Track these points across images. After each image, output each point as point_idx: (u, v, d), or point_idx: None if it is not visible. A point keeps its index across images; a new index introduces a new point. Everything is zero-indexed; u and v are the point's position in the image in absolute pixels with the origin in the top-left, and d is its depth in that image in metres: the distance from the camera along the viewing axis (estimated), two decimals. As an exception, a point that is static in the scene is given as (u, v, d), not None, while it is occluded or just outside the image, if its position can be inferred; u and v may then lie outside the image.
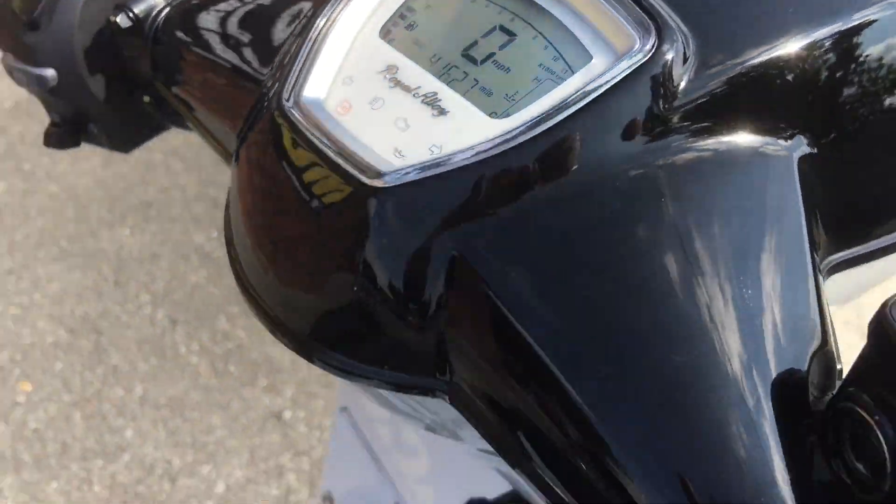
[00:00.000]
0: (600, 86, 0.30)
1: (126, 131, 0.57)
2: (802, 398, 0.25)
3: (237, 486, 1.48)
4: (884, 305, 0.24)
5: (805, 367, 0.26)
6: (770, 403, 0.25)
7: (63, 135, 0.54)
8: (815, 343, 0.27)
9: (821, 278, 0.29)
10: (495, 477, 0.52)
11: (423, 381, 0.30)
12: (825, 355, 0.26)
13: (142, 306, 1.73)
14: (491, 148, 0.31)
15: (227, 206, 0.39)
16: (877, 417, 0.23)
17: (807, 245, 0.29)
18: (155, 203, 1.94)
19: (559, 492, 0.26)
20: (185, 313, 1.72)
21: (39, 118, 2.10)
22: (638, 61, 0.30)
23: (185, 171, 2.01)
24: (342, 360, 0.31)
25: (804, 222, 0.29)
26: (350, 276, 0.31)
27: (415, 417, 0.42)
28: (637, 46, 0.31)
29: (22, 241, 1.84)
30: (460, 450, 0.58)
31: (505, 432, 0.28)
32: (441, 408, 0.31)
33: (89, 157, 2.02)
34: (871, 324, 0.23)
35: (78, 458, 1.50)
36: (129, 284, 1.77)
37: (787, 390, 0.26)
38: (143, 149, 2.04)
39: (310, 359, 0.33)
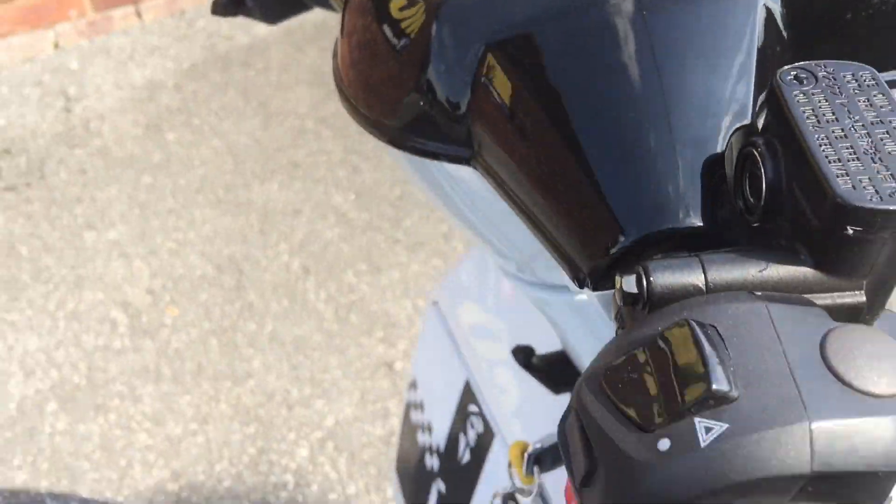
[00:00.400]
0: None
1: (276, 7, 0.68)
2: (721, 154, 0.33)
3: (345, 422, 1.60)
4: (775, 73, 0.30)
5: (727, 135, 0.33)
6: (697, 163, 0.32)
7: (227, 5, 0.66)
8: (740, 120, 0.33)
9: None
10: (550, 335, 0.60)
11: (458, 151, 0.38)
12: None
13: (280, 254, 1.89)
14: None
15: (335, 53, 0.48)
16: (762, 153, 0.29)
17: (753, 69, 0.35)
18: (302, 164, 2.10)
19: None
20: (318, 265, 1.87)
21: (210, 79, 2.32)
22: None
23: (332, 139, 2.17)
24: (407, 136, 0.40)
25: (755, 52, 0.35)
26: (414, 72, 0.39)
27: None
28: None
29: (184, 185, 2.05)
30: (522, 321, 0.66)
31: (513, 184, 0.36)
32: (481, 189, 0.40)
33: (251, 120, 2.21)
34: (766, 90, 0.30)
35: (210, 378, 1.67)
36: (272, 234, 1.94)
37: (713, 150, 0.33)
38: (297, 116, 2.22)
39: (386, 139, 0.41)
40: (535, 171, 0.35)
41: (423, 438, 0.75)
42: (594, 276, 0.33)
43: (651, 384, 0.26)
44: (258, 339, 1.73)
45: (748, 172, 0.30)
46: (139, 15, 2.50)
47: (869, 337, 0.26)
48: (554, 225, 0.35)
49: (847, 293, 0.28)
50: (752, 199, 0.29)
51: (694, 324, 0.26)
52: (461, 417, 0.67)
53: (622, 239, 0.32)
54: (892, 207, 0.26)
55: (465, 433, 0.67)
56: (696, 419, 0.25)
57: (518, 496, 0.50)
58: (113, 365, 1.69)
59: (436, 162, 0.41)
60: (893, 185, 0.27)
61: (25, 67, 2.34)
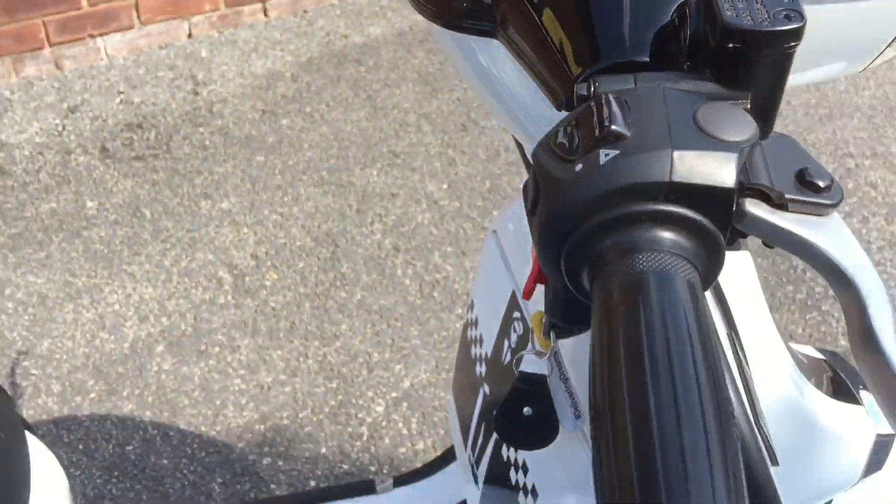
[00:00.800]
0: None
1: None
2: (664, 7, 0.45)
3: (420, 386, 1.72)
4: None
5: None
6: (646, 14, 0.44)
7: None
8: None
9: None
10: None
11: (484, 26, 0.51)
12: None
13: (374, 232, 2.04)
14: None
15: None
16: (690, 6, 0.42)
17: None
18: (402, 154, 2.25)
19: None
20: (407, 244, 2.00)
21: (324, 73, 2.49)
22: None
23: (431, 133, 2.31)
24: (449, 15, 0.52)
25: None
26: None
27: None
28: None
29: (292, 165, 2.22)
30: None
31: (521, 45, 0.48)
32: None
33: (358, 111, 2.38)
34: None
35: (300, 337, 1.82)
36: (367, 213, 2.08)
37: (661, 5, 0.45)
38: (401, 110, 2.37)
39: (435, 20, 0.54)
40: (534, 33, 0.47)
41: (474, 351, 0.85)
42: (568, 97, 0.44)
43: (576, 135, 0.36)
44: (347, 305, 1.88)
45: (685, 21, 0.40)
46: (265, 12, 2.71)
47: (728, 109, 0.36)
48: (545, 64, 0.46)
49: (739, 101, 0.39)
50: (684, 42, 0.40)
51: (610, 95, 0.37)
52: (506, 323, 0.78)
53: (587, 70, 0.43)
54: (762, 29, 0.37)
55: (508, 337, 0.77)
56: (601, 150, 0.36)
57: (535, 357, 0.61)
58: (216, 317, 1.86)
59: (471, 36, 0.53)
60: (766, 17, 0.37)
61: (161, 52, 2.58)
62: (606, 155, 0.35)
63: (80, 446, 1.63)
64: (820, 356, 0.79)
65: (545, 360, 0.61)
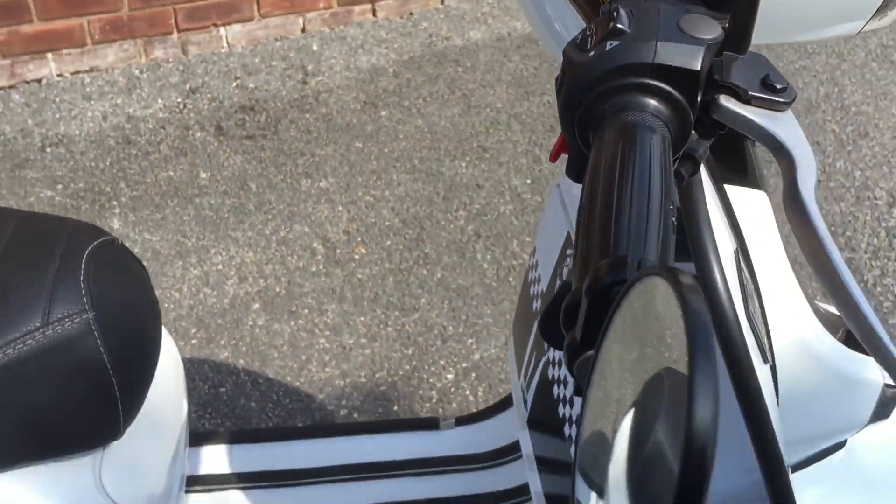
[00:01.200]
0: None
1: None
2: None
3: (489, 360, 1.84)
4: None
5: None
6: None
7: None
8: None
9: None
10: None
11: None
12: None
13: (458, 218, 2.17)
14: None
15: None
16: None
17: None
18: (490, 149, 2.38)
19: None
20: (488, 231, 2.13)
21: (424, 71, 2.65)
22: None
23: (520, 132, 2.44)
24: None
25: None
26: None
27: None
28: None
29: (387, 153, 2.38)
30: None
31: None
32: None
33: (452, 108, 2.52)
34: None
35: (382, 307, 1.96)
36: (453, 201, 2.22)
37: None
38: (493, 109, 2.51)
39: None
40: None
41: (533, 289, 0.97)
42: (596, 15, 0.56)
43: (594, 35, 0.49)
44: (427, 282, 2.01)
45: None
46: (374, 12, 2.90)
47: (704, 19, 0.48)
48: None
49: (718, 19, 0.50)
50: None
51: (620, 7, 0.50)
52: (560, 260, 0.90)
53: None
54: None
55: (561, 273, 0.89)
56: (607, 41, 0.48)
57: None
58: (308, 283, 2.02)
59: None
60: None
61: (276, 44, 2.79)
62: (611, 44, 0.47)
63: (180, 384, 1.81)
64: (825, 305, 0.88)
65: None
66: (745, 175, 0.73)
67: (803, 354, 0.79)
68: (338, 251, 2.10)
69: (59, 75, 2.64)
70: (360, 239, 2.13)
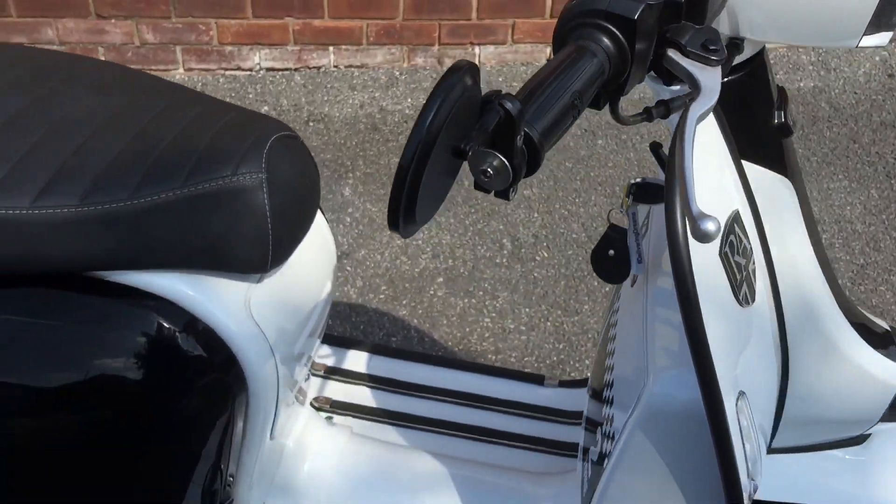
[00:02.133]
0: None
1: None
2: None
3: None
4: None
5: None
6: None
7: None
8: None
9: None
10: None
11: None
12: None
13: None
14: None
15: None
16: None
17: None
18: (691, 190, 2.49)
19: None
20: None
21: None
22: None
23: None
24: None
25: None
26: None
27: None
28: None
29: (593, 176, 2.56)
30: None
31: None
32: None
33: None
34: None
35: (548, 304, 2.15)
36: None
37: None
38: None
39: None
40: None
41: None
42: None
43: None
44: (595, 293, 2.17)
45: None
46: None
47: None
48: None
49: None
50: None
51: None
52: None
53: None
54: None
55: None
56: None
57: (620, 214, 0.90)
58: (489, 271, 2.25)
59: None
60: None
61: (522, 68, 3.07)
62: None
63: (361, 327, 2.11)
64: (880, 321, 0.96)
65: (626, 214, 0.90)
66: (776, 162, 0.86)
67: (820, 339, 0.89)
68: (523, 250, 2.31)
69: (335, 66, 3.09)
70: (545, 244, 2.33)
